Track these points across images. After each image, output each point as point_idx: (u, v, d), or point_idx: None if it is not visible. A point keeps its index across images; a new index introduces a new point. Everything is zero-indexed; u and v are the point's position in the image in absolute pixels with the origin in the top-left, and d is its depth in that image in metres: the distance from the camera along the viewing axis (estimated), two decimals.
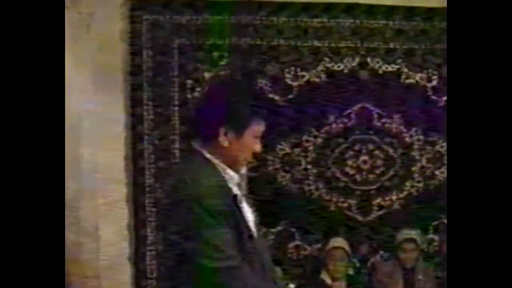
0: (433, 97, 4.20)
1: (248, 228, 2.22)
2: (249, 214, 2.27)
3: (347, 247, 4.00)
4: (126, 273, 3.97)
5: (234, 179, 2.21)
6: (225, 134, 2.14)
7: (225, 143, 2.14)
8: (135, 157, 3.96)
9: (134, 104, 3.96)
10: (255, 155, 2.26)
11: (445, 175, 4.21)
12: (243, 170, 2.37)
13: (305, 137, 4.12)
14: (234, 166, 2.21)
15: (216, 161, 2.18)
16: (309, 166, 4.13)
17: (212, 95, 2.33)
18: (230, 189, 2.17)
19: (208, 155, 2.18)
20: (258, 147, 2.23)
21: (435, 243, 4.25)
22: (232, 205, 2.14)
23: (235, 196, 2.17)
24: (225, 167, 2.19)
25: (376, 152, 4.19)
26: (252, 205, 2.42)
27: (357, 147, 4.18)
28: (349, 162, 4.17)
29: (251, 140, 2.20)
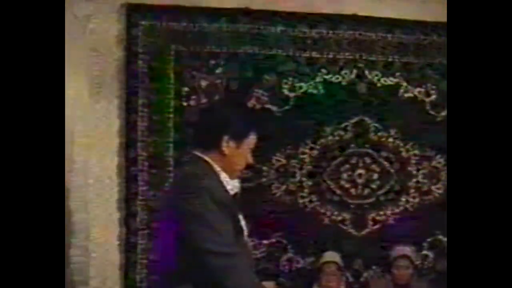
0: (431, 112, 4.17)
1: (242, 229, 2.39)
2: (243, 223, 2.43)
3: (340, 262, 3.94)
4: (116, 282, 3.91)
5: (229, 185, 2.37)
6: (227, 143, 2.32)
7: (227, 151, 2.33)
8: (128, 164, 3.92)
9: (128, 110, 3.92)
10: (248, 166, 2.46)
11: (441, 191, 4.17)
12: (237, 184, 2.47)
13: (301, 149, 4.07)
14: (230, 174, 2.38)
15: (216, 167, 2.35)
16: (304, 178, 4.08)
17: (215, 107, 2.70)
18: (228, 192, 2.35)
19: (209, 161, 2.35)
20: (250, 158, 2.43)
21: (429, 260, 4.19)
22: (233, 204, 2.33)
23: (234, 196, 2.37)
24: (223, 173, 2.36)
25: (372, 166, 4.14)
26: (244, 216, 2.49)
27: (353, 161, 4.13)
28: (345, 176, 4.12)
29: (247, 151, 2.40)
